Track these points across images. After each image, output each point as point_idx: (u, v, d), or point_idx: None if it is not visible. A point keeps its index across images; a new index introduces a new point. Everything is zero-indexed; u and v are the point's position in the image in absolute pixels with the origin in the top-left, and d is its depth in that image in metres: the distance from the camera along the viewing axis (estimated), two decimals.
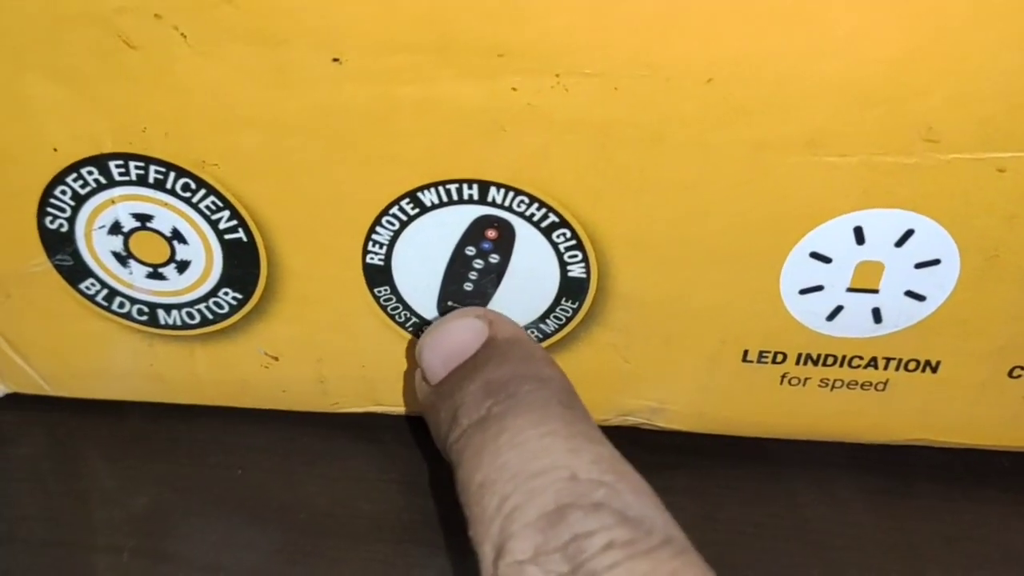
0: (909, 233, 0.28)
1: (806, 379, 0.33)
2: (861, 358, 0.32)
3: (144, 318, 0.33)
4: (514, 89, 0.26)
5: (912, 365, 0.32)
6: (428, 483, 0.34)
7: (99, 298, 0.33)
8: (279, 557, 0.32)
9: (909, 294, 0.30)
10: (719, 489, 0.32)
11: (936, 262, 0.29)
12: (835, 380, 0.33)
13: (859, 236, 0.28)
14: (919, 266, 0.29)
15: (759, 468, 0.35)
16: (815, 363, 0.32)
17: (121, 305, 0.33)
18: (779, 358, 0.32)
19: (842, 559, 0.32)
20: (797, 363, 0.32)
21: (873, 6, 0.24)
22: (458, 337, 0.28)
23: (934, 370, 0.32)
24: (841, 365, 0.32)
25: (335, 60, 0.25)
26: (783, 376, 0.33)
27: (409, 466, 0.35)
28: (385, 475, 0.35)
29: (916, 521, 0.34)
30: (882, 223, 0.28)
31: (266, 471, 0.35)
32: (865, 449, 0.35)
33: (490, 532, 0.23)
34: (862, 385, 0.33)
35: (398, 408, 0.36)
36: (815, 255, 0.29)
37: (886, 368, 0.32)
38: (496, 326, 0.28)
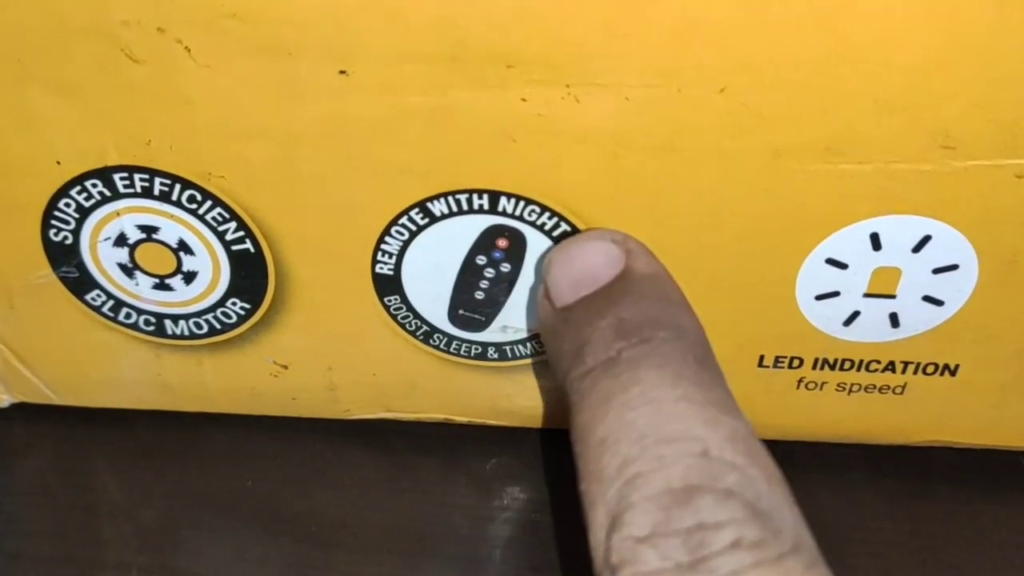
0: (926, 239, 0.28)
1: (823, 383, 0.33)
2: (879, 362, 0.32)
3: (151, 328, 0.33)
4: (524, 100, 0.26)
5: (930, 368, 0.32)
6: (442, 492, 0.34)
7: (105, 309, 0.32)
8: (291, 572, 0.32)
9: (927, 299, 0.30)
10: None
11: (954, 267, 0.29)
12: (852, 384, 0.32)
13: (875, 242, 0.28)
14: (936, 271, 0.29)
15: None
16: (832, 368, 0.32)
17: (128, 316, 0.32)
18: (795, 363, 0.32)
19: (862, 564, 0.32)
20: (814, 368, 0.32)
21: (892, 14, 0.23)
22: (592, 260, 0.26)
23: (953, 373, 0.32)
24: (859, 369, 0.32)
25: (342, 72, 0.25)
26: (800, 380, 0.32)
27: (422, 474, 0.34)
28: (397, 484, 0.34)
29: (936, 524, 0.34)
30: (899, 229, 0.27)
31: (276, 481, 0.34)
32: (883, 451, 0.35)
33: (607, 496, 0.21)
34: (880, 389, 0.33)
35: (410, 414, 0.35)
36: (831, 261, 0.29)
37: (904, 372, 0.32)
38: (634, 256, 0.26)
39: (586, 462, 0.22)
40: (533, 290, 0.30)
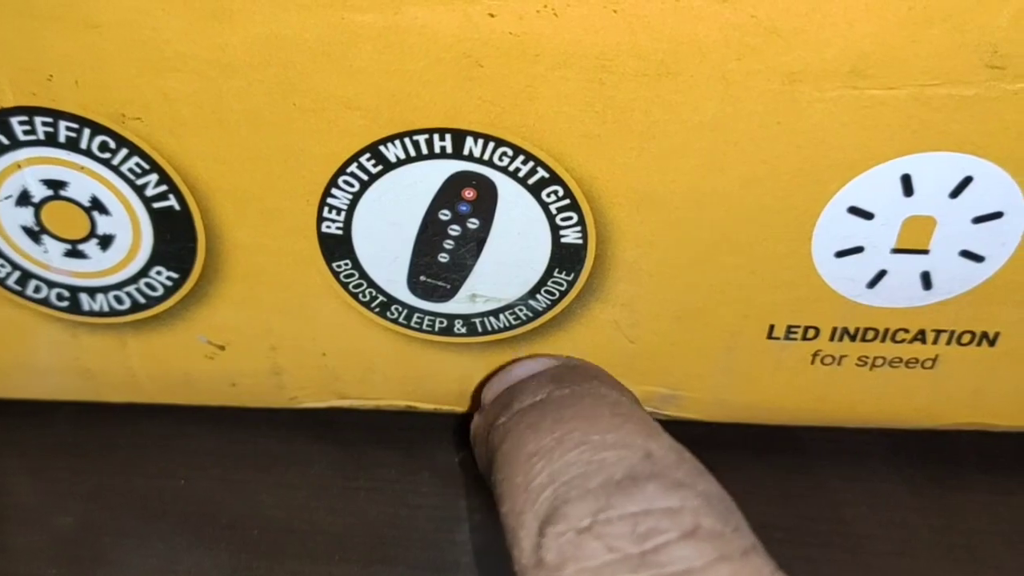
0: (967, 181, 0.25)
1: (842, 357, 0.29)
2: (907, 331, 0.28)
3: (65, 304, 0.29)
4: (492, 15, 0.22)
5: (966, 338, 0.28)
6: (402, 491, 0.31)
7: (10, 282, 0.29)
8: None
9: (965, 254, 0.26)
10: (743, 486, 0.28)
11: (998, 215, 0.25)
12: (876, 358, 0.29)
13: (907, 186, 0.25)
14: (977, 220, 0.26)
15: (788, 461, 0.32)
16: (852, 338, 0.29)
17: (37, 289, 0.29)
18: (810, 333, 0.29)
19: (889, 566, 0.29)
20: (832, 339, 0.29)
21: None
22: (528, 367, 0.27)
23: (992, 343, 0.29)
24: (883, 340, 0.29)
25: None
26: (815, 354, 0.29)
27: (380, 471, 0.32)
28: (352, 482, 0.31)
29: (971, 518, 0.30)
30: (935, 170, 0.24)
31: (214, 479, 0.31)
32: (907, 436, 0.31)
33: (537, 499, 0.20)
34: (907, 363, 0.29)
35: (367, 402, 0.32)
36: (854, 210, 0.25)
37: (935, 342, 0.29)
38: (569, 359, 0.27)
39: (511, 479, 0.21)
40: (506, 251, 0.27)
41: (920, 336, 0.29)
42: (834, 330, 0.29)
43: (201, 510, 0.31)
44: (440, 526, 0.30)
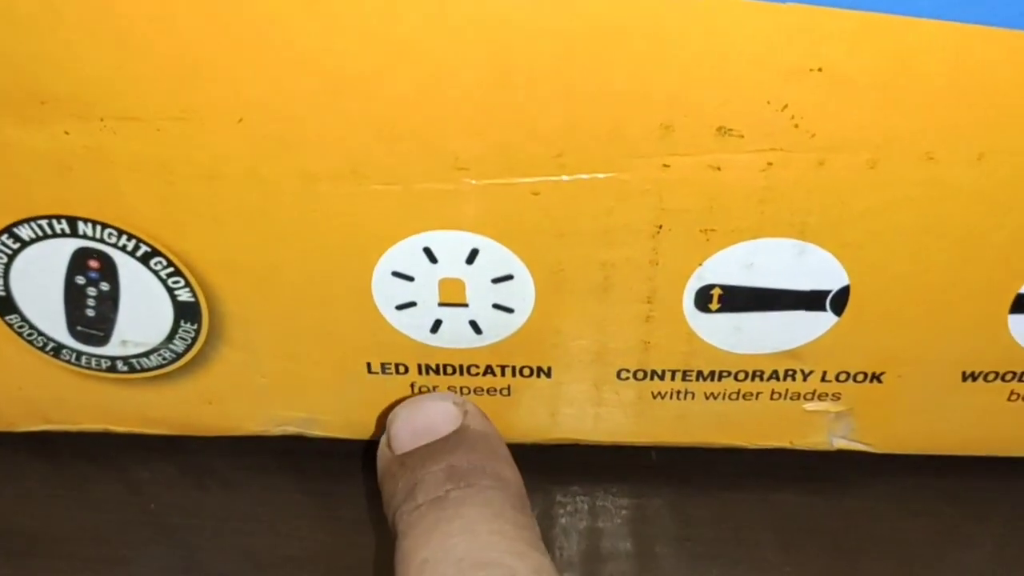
0: (476, 251, 0.29)
1: (434, 386, 0.34)
2: (478, 366, 0.34)
3: None
4: (67, 133, 0.27)
5: (526, 372, 0.34)
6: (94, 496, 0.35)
7: None
8: None
9: (497, 307, 0.31)
10: None
11: (510, 277, 0.30)
12: (462, 387, 0.35)
13: (430, 255, 0.30)
14: (496, 281, 0.30)
15: None
16: (436, 372, 0.34)
17: None
18: (401, 369, 0.34)
19: None
20: (419, 373, 0.34)
21: (380, 51, 0.25)
22: (432, 417, 0.30)
23: (548, 375, 0.34)
24: (461, 374, 0.34)
25: None
26: (412, 384, 0.35)
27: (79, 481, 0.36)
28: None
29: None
30: (448, 242, 0.29)
31: None
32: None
33: None
34: (488, 391, 0.35)
35: (70, 426, 0.37)
36: (397, 274, 0.30)
37: (503, 375, 0.34)
38: (471, 416, 0.30)
39: None
40: (138, 307, 0.32)
41: (490, 370, 0.34)
42: (419, 365, 0.34)
43: None
44: (118, 527, 0.35)
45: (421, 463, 0.28)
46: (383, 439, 0.30)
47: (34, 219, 0.30)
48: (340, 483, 0.36)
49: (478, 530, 0.25)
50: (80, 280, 0.31)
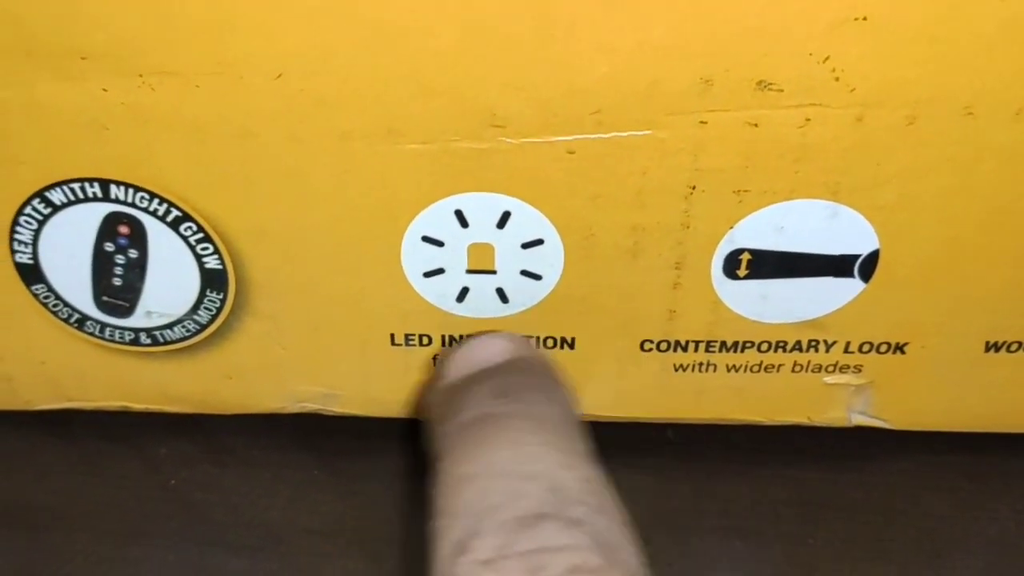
0: (507, 215, 0.29)
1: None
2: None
3: None
4: (105, 90, 0.27)
5: (550, 343, 0.33)
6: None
7: None
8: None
9: (525, 273, 0.31)
10: None
11: (540, 242, 0.30)
12: None
13: (462, 219, 0.30)
14: (525, 246, 0.30)
15: None
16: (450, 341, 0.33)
17: None
18: (424, 340, 0.34)
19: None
20: (443, 344, 0.34)
21: (420, 3, 0.25)
22: (483, 352, 0.29)
23: (572, 347, 0.33)
24: None
25: None
26: (434, 357, 0.34)
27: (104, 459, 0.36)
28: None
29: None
30: (480, 206, 0.29)
31: None
32: None
33: (457, 526, 0.22)
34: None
35: (89, 403, 0.37)
36: (427, 239, 0.30)
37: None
38: (526, 347, 0.29)
39: (444, 499, 0.23)
40: (166, 275, 0.32)
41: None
42: (443, 337, 0.34)
43: None
44: (141, 502, 0.35)
45: (467, 387, 0.27)
46: (433, 375, 0.29)
47: (66, 182, 0.30)
48: (357, 462, 0.36)
49: (524, 441, 0.24)
50: (109, 247, 0.31)
